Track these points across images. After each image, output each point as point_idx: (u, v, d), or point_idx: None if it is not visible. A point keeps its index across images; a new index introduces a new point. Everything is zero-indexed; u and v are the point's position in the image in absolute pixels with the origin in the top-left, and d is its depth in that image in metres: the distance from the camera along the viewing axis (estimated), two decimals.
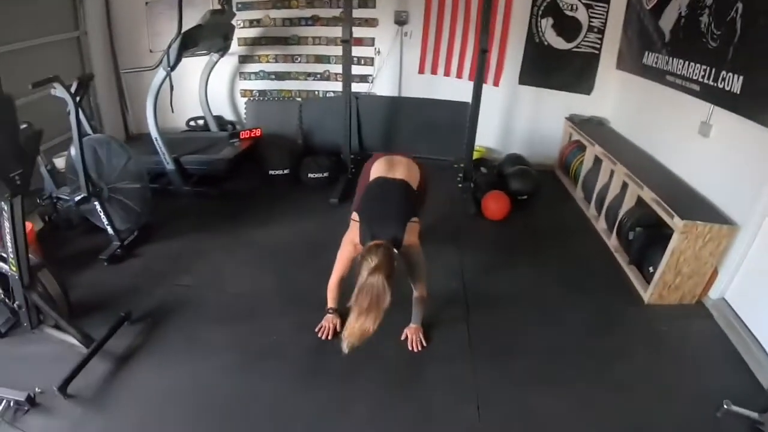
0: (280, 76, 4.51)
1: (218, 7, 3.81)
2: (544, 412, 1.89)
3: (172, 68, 3.23)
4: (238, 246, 3.00)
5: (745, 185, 2.37)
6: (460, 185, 3.86)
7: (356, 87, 4.23)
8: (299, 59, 4.42)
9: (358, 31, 4.10)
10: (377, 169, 2.21)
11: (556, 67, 4.09)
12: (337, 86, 4.30)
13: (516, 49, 4.12)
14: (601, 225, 3.33)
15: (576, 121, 4.09)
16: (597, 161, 3.52)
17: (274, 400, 1.92)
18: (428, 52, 4.22)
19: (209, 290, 2.57)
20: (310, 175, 3.86)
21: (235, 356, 2.12)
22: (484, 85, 3.60)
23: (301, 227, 3.23)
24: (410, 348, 2.17)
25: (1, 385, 1.81)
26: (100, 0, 4.10)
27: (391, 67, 4.32)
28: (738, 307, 2.42)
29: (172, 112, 3.50)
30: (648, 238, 2.68)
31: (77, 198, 2.72)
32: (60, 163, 3.06)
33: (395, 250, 1.90)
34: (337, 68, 4.20)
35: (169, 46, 3.15)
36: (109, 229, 2.80)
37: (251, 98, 4.58)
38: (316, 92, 4.54)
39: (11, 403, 1.77)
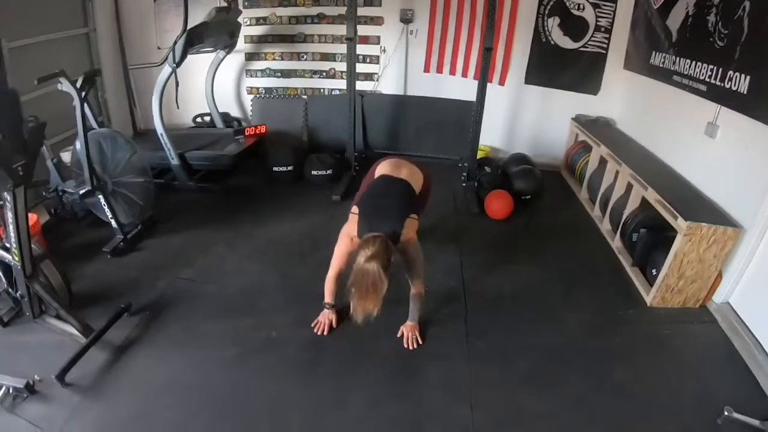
0: (286, 74, 4.54)
1: (224, 4, 3.84)
2: (539, 413, 1.87)
3: (178, 65, 3.27)
4: (241, 241, 3.02)
5: (751, 187, 2.32)
6: (464, 184, 3.85)
7: (361, 85, 4.24)
8: (305, 57, 4.44)
9: (363, 29, 4.11)
10: (382, 168, 2.26)
11: (562, 67, 4.06)
12: (343, 84, 4.29)
13: (522, 49, 4.10)
14: (605, 226, 3.29)
15: (582, 122, 4.06)
16: (602, 162, 3.49)
17: (270, 394, 1.92)
18: (434, 50, 4.22)
19: (211, 284, 2.59)
20: (314, 173, 3.87)
21: (234, 349, 2.13)
22: (489, 85, 3.59)
23: (303, 224, 3.25)
24: (406, 346, 2.16)
25: (2, 373, 1.85)
26: None
27: (397, 66, 4.32)
28: (742, 311, 2.37)
29: (177, 108, 3.54)
30: (651, 240, 2.64)
31: (82, 191, 2.77)
32: (66, 156, 3.11)
33: (393, 245, 1.90)
34: (343, 66, 4.20)
35: (175, 43, 3.19)
36: (113, 223, 2.84)
37: (257, 95, 4.61)
38: (322, 90, 4.56)
39: (10, 390, 1.80)
